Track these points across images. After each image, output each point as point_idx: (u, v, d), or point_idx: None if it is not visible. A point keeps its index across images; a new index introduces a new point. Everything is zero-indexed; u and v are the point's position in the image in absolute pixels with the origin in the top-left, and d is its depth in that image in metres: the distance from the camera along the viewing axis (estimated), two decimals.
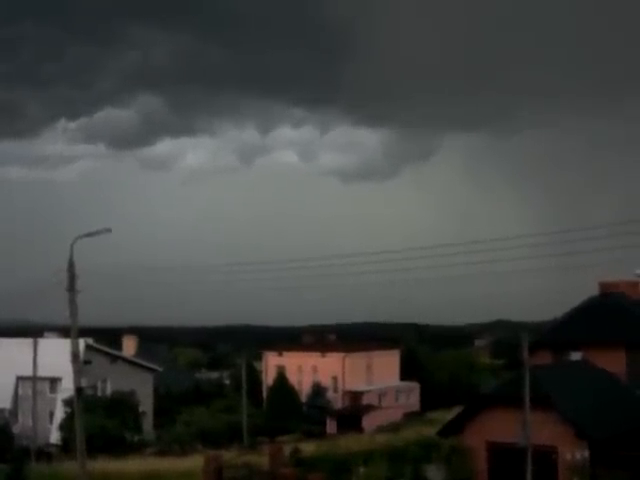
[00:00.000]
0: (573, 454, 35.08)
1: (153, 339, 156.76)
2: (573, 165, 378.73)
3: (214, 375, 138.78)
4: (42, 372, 63.21)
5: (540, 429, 33.37)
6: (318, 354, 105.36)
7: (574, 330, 52.15)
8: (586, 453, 35.02)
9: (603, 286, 55.50)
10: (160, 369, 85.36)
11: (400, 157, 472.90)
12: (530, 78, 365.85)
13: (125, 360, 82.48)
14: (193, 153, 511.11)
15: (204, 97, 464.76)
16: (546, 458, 35.14)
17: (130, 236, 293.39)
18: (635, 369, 48.57)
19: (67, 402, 65.40)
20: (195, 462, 47.24)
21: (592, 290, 56.24)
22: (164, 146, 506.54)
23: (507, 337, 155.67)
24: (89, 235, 35.16)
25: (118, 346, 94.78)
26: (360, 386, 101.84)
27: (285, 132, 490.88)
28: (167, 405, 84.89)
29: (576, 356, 48.60)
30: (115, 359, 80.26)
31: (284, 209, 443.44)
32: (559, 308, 59.25)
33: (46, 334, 77.05)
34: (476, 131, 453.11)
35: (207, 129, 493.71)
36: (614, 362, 47.14)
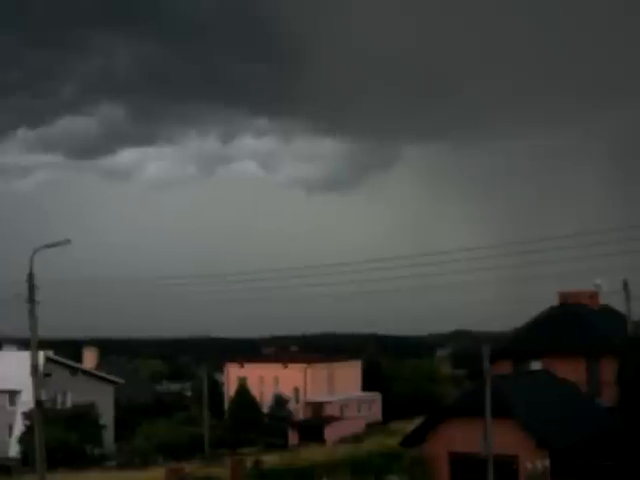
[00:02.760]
0: (534, 463, 35.26)
1: (114, 351, 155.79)
2: (532, 177, 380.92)
3: (175, 387, 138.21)
4: (1, 385, 62.73)
5: (501, 439, 33.52)
6: (280, 365, 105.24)
7: (534, 340, 52.55)
8: (547, 462, 35.20)
9: (562, 296, 56.03)
10: (121, 381, 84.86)
11: (361, 168, 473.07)
12: (491, 88, 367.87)
13: (85, 372, 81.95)
14: (154, 163, 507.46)
15: (166, 106, 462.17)
16: (507, 467, 35.28)
17: (90, 247, 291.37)
18: (595, 378, 49.00)
19: (27, 415, 64.90)
20: (156, 475, 47.01)
21: (552, 300, 56.73)
22: (125, 155, 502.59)
23: (468, 347, 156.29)
24: (49, 246, 34.96)
25: (78, 358, 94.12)
26: (322, 397, 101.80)
27: (248, 142, 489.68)
28: (128, 417, 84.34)
29: (536, 365, 48.89)
30: (75, 371, 79.73)
31: (246, 220, 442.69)
32: (520, 318, 59.66)
33: (5, 346, 76.40)
34: (435, 142, 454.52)
35: (169, 138, 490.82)
36: (574, 371, 47.54)
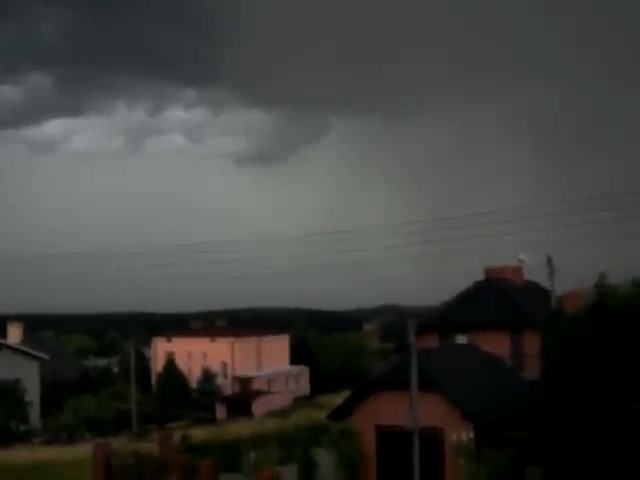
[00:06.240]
0: (459, 436, 35.76)
1: (41, 327, 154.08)
2: (459, 154, 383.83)
3: (102, 362, 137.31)
4: None
5: (427, 412, 33.91)
6: (207, 340, 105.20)
7: (460, 314, 53.24)
8: (471, 434, 35.72)
9: (488, 271, 56.82)
10: (46, 357, 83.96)
11: (290, 140, 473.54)
12: (422, 64, 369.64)
13: (10, 348, 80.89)
14: (81, 134, 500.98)
15: (93, 76, 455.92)
16: (433, 440, 35.72)
17: (16, 222, 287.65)
18: (518, 352, 49.86)
19: None
20: (83, 451, 46.77)
21: (478, 275, 57.50)
22: (51, 127, 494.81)
23: (395, 321, 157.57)
24: None
25: (3, 334, 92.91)
26: (250, 371, 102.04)
27: (176, 114, 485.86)
28: (54, 393, 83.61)
29: (462, 339, 49.56)
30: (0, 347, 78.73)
31: (174, 194, 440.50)
32: (446, 293, 60.40)
33: None
34: (364, 116, 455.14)
35: (96, 109, 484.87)
36: (499, 345, 48.27)
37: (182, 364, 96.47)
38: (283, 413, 79.03)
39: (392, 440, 37.10)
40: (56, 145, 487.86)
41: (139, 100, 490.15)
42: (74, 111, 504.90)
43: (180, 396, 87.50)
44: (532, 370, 42.91)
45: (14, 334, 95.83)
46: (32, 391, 74.91)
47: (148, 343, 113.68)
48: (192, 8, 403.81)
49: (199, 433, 56.58)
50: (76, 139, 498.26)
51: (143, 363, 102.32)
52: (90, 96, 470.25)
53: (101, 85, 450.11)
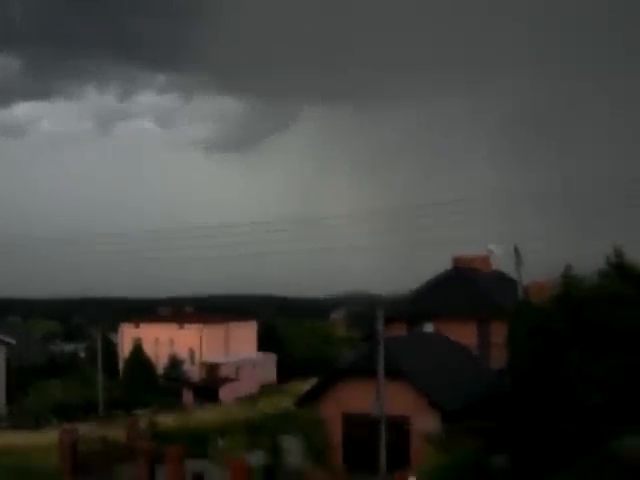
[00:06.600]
0: (426, 424, 36.02)
1: (7, 311, 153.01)
2: (428, 144, 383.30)
3: (69, 347, 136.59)
4: None
5: (394, 400, 34.13)
6: (175, 326, 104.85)
7: (428, 303, 53.47)
8: (438, 423, 35.99)
9: (457, 261, 57.10)
10: (12, 341, 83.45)
11: (261, 128, 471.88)
12: (395, 53, 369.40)
13: None
14: (50, 118, 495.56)
15: (63, 60, 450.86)
16: (399, 428, 35.98)
17: None
18: (485, 341, 50.20)
19: None
20: (50, 436, 46.67)
21: (446, 264, 57.78)
22: (20, 110, 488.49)
23: (363, 309, 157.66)
24: None
25: None
26: (217, 358, 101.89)
27: (147, 99, 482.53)
28: (21, 379, 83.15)
29: (429, 328, 49.78)
30: None
31: (143, 179, 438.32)
32: (415, 281, 60.61)
33: None
34: (335, 104, 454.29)
35: (65, 93, 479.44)
36: (465, 334, 48.61)
37: (149, 350, 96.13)
38: (250, 400, 79.07)
39: (359, 428, 37.33)
40: (25, 128, 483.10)
41: (109, 84, 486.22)
42: (43, 94, 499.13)
43: (147, 382, 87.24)
44: (498, 359, 43.26)
45: None
46: None
47: (115, 329, 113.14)
48: None
49: (166, 420, 56.50)
50: (45, 122, 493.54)
51: (110, 349, 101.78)
52: (60, 79, 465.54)
53: (71, 68, 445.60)
